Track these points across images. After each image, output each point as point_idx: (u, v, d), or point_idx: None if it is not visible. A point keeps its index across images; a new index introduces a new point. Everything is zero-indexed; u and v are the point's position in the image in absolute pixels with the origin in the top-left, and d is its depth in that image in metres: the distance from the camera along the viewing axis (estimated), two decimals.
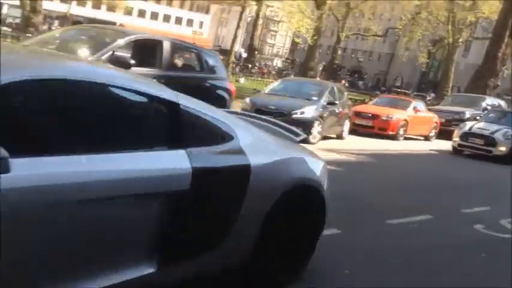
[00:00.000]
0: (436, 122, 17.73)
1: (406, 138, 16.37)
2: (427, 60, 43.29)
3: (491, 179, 11.57)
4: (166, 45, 8.05)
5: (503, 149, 13.93)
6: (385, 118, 15.72)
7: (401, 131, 16.08)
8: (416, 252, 5.14)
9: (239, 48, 51.80)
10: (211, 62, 9.02)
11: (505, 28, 24.55)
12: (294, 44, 61.55)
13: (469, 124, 15.22)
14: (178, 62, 8.68)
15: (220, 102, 8.68)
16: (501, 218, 7.08)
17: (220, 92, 8.88)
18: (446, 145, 15.58)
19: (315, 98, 12.86)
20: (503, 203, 8.27)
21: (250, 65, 44.43)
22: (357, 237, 5.30)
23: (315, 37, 33.87)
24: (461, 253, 5.43)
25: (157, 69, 7.79)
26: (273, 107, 12.02)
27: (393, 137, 15.73)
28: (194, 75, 8.64)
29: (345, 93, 15.64)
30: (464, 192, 9.01)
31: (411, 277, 4.44)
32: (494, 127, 14.56)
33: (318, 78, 30.72)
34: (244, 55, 52.86)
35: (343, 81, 42.81)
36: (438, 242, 5.70)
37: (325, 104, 12.77)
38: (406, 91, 44.91)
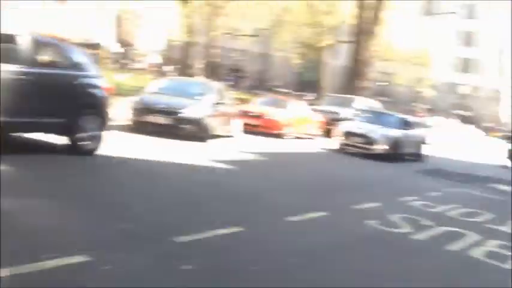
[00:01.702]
0: (319, 121, 18.34)
1: (292, 138, 16.71)
2: (300, 61, 44.75)
3: (375, 176, 12.32)
4: (24, 40, 7.05)
5: (381, 147, 14.81)
6: (270, 117, 15.92)
7: (287, 130, 16.38)
8: (315, 247, 5.21)
9: (112, 43, 49.68)
10: (77, 58, 8.20)
11: (363, 33, 26.11)
12: (170, 40, 60.52)
13: (348, 123, 15.97)
14: (43, 58, 7.65)
15: (93, 100, 8.16)
16: (391, 213, 7.42)
17: (91, 90, 8.16)
18: (330, 144, 16.18)
19: (201, 97, 12.65)
20: (391, 199, 8.74)
21: (127, 61, 42.88)
22: (260, 235, 5.33)
23: (189, 34, 33.48)
24: (355, 246, 5.60)
25: (17, 65, 6.85)
26: (161, 106, 11.70)
27: (280, 136, 16.00)
28: (61, 73, 7.78)
29: (229, 92, 15.68)
30: (353, 189, 9.39)
31: (312, 272, 4.43)
32: (373, 127, 15.41)
33: (200, 77, 30.43)
34: (119, 50, 50.86)
35: (225, 80, 42.95)
36: (332, 235, 5.83)
37: (212, 102, 12.64)
38: (287, 90, 46.17)
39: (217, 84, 15.03)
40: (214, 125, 12.44)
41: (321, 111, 20.12)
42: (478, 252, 6.10)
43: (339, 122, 17.10)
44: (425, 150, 17.99)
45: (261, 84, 49.55)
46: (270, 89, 41.55)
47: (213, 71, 43.23)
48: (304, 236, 5.65)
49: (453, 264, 5.61)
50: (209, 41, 39.51)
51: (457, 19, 61.14)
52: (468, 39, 64.87)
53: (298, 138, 17.25)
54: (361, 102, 22.42)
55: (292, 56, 39.89)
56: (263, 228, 5.63)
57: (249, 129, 15.34)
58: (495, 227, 7.84)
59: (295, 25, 36.23)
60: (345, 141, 15.18)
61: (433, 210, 8.34)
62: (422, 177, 12.70)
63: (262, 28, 41.16)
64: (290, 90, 48.06)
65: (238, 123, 14.25)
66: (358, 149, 15.09)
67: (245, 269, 4.22)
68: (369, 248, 5.64)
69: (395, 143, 15.04)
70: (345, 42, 37.40)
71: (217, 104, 12.88)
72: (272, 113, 16.18)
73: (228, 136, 13.49)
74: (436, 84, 52.88)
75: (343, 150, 15.36)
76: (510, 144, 17.91)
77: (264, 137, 15.33)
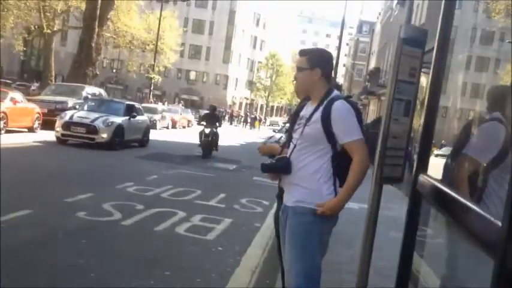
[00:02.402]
0: (38, 113, 17.20)
1: (7, 132, 15.38)
2: (25, 49, 41.57)
3: (95, 166, 11.99)
4: None
5: (104, 135, 14.63)
6: None
7: (1, 124, 15.00)
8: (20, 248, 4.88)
9: None
10: None
11: (94, 18, 25.60)
12: None
13: (69, 113, 15.35)
14: None
15: None
16: (104, 202, 7.41)
17: None
18: (51, 136, 15.34)
19: None
20: (107, 188, 8.71)
21: None
22: None
23: None
24: (64, 242, 5.43)
25: None
26: None
27: None
28: None
29: None
30: (69, 182, 9.07)
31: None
32: (95, 115, 15.11)
33: None
34: None
35: None
36: (38, 235, 5.55)
37: None
38: (7, 81, 42.33)
39: None
40: None
41: (45, 101, 19.04)
42: (182, 228, 6.57)
43: (65, 113, 16.34)
44: (152, 135, 18.53)
45: None
46: None
47: None
48: (4, 238, 5.25)
49: (157, 243, 5.91)
50: None
51: (188, 6, 64.39)
52: (198, 27, 68.95)
53: (16, 132, 15.99)
54: (90, 90, 21.94)
55: (16, 43, 36.47)
56: None
57: None
58: (202, 202, 8.56)
59: (21, 9, 33.19)
60: (66, 132, 14.61)
61: (147, 193, 8.65)
62: (142, 162, 13.00)
63: None
64: (12, 80, 44.20)
65: None
66: (80, 139, 14.70)
67: None
68: (75, 240, 5.56)
69: (119, 130, 15.07)
70: (75, 28, 36.06)
71: None
72: None
73: None
74: (166, 71, 54.78)
75: (64, 142, 14.78)
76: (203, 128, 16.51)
77: None
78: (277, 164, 3.12)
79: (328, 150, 2.99)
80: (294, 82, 3.24)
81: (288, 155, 3.10)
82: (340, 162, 3.00)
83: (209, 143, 16.14)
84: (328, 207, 2.91)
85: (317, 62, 3.12)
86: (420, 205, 2.42)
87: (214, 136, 16.54)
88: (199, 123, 17.61)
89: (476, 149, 2.59)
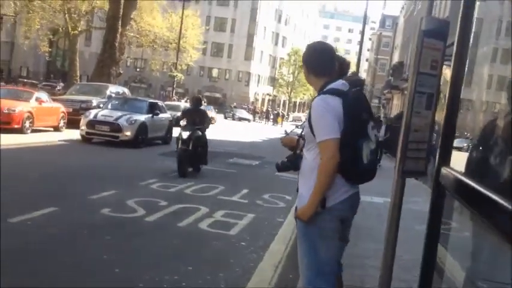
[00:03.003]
0: (63, 112, 17.47)
1: (34, 131, 15.66)
2: (50, 49, 42.23)
3: (119, 163, 12.12)
4: None
5: (128, 133, 14.78)
6: (6, 111, 14.63)
7: (27, 124, 15.29)
8: (45, 245, 4.97)
9: None
10: None
11: (117, 18, 25.84)
12: None
13: (93, 112, 15.54)
14: None
15: None
16: (128, 199, 7.49)
17: None
18: (76, 134, 15.58)
19: None
20: (131, 185, 8.80)
21: None
22: None
23: None
24: (89, 239, 5.51)
25: None
26: None
27: (20, 131, 14.82)
28: None
29: None
30: (93, 179, 9.18)
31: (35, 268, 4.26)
32: (118, 113, 15.27)
33: None
34: None
35: None
36: (64, 232, 5.64)
37: None
38: (34, 81, 43.13)
39: None
40: None
41: (70, 100, 19.35)
42: (205, 224, 6.61)
43: (90, 112, 16.55)
44: (175, 132, 18.62)
45: (6, 76, 45.14)
46: (16, 81, 38.09)
47: None
48: (30, 235, 5.36)
49: (181, 238, 5.95)
50: None
51: (210, 5, 64.68)
52: (220, 25, 69.19)
53: (42, 131, 16.28)
54: (114, 89, 22.21)
55: (41, 44, 37.09)
56: None
57: None
58: (225, 197, 8.59)
59: (46, 11, 33.77)
60: (91, 130, 14.80)
61: (170, 190, 8.71)
62: (165, 159, 13.10)
63: (5, 14, 37.25)
64: (38, 81, 44.96)
65: None
66: (105, 137, 14.88)
67: None
68: (99, 237, 5.63)
69: (142, 128, 15.20)
70: (99, 28, 36.52)
71: None
72: (8, 106, 14.85)
73: None
74: (189, 69, 55.11)
75: (89, 140, 14.97)
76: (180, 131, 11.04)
77: (3, 134, 14.02)
78: (287, 163, 3.30)
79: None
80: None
81: (300, 152, 3.21)
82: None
83: (188, 153, 10.49)
84: (299, 213, 2.96)
85: (305, 59, 3.17)
86: (443, 198, 2.39)
87: (198, 142, 10.81)
88: (176, 124, 11.94)
89: None
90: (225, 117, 52.20)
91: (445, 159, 2.37)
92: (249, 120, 54.26)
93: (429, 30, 3.23)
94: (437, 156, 2.41)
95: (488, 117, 3.89)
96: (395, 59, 49.42)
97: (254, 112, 60.00)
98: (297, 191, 3.45)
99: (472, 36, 2.42)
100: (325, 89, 3.01)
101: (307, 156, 3.05)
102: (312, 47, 3.23)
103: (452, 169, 2.27)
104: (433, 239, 2.38)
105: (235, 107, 58.17)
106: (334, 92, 2.97)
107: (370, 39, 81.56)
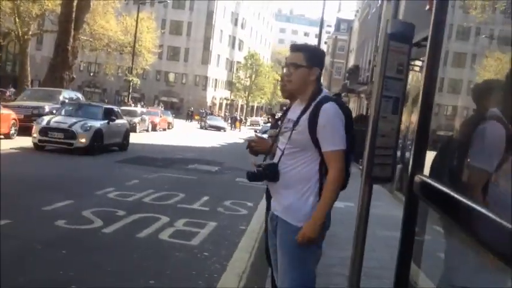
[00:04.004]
0: (14, 119, 16.81)
1: None
2: (0, 54, 40.81)
3: (73, 172, 11.70)
4: None
5: (83, 140, 14.32)
6: None
7: None
8: None
9: None
10: None
11: (69, 21, 25.19)
12: None
13: (46, 118, 15.00)
14: None
15: None
16: (84, 209, 7.20)
17: None
18: (28, 142, 14.98)
19: None
20: (87, 195, 8.48)
21: None
22: None
23: None
24: (43, 253, 5.22)
25: None
26: None
27: None
28: None
29: None
30: (47, 189, 8.80)
31: None
32: (73, 120, 14.80)
33: None
34: None
35: None
36: (17, 246, 5.33)
37: None
38: None
39: None
40: None
41: (21, 107, 18.65)
42: (166, 234, 6.40)
43: (42, 118, 15.94)
44: (132, 138, 18.26)
45: None
46: None
47: None
48: None
49: (141, 250, 5.72)
50: None
51: (166, 8, 63.95)
52: (176, 28, 68.57)
53: None
54: (67, 94, 21.60)
55: None
56: None
57: None
58: (185, 205, 8.39)
59: None
60: (44, 138, 14.26)
61: (128, 199, 8.45)
62: (122, 166, 12.75)
63: None
64: None
65: None
66: (58, 144, 14.37)
67: None
68: (55, 251, 5.35)
69: (97, 135, 14.78)
70: (50, 31, 35.51)
71: None
72: None
73: None
74: (145, 73, 54.30)
75: (42, 148, 14.43)
76: None
77: None
78: (264, 172, 2.94)
79: (317, 156, 2.83)
80: (286, 79, 3.01)
81: (276, 161, 2.93)
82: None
83: None
84: (308, 231, 2.74)
85: (316, 61, 2.94)
86: (417, 208, 2.30)
87: None
88: None
89: (480, 157, 2.46)
90: (201, 127, 47.03)
91: (419, 166, 2.28)
92: (224, 129, 46.77)
93: (394, 33, 3.17)
94: (410, 163, 2.32)
95: (443, 120, 3.89)
96: (351, 62, 50.15)
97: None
98: (267, 199, 3.30)
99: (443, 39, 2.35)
100: (321, 96, 2.87)
101: (294, 164, 2.84)
102: (320, 49, 3.17)
103: (427, 177, 2.19)
104: (406, 253, 2.28)
105: (206, 112, 56.12)
106: (336, 101, 2.89)
107: (325, 42, 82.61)
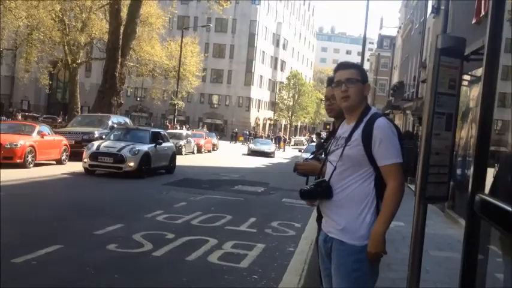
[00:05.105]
0: (65, 145, 17.33)
1: (36, 165, 15.49)
2: (50, 82, 42.33)
3: (123, 195, 11.90)
4: None
5: (131, 164, 14.60)
6: (8, 146, 14.49)
7: (29, 158, 15.14)
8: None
9: None
10: None
11: (116, 48, 25.94)
12: None
13: (96, 143, 15.39)
14: None
15: None
16: (134, 232, 7.28)
17: None
18: (79, 167, 15.39)
19: None
20: (137, 218, 8.59)
21: None
22: None
23: None
24: (96, 278, 5.28)
25: None
26: None
27: (22, 165, 14.67)
28: None
29: None
30: (98, 213, 8.96)
31: None
32: (121, 144, 15.13)
33: None
34: None
35: None
36: (70, 271, 5.42)
37: None
38: (35, 114, 43.24)
39: None
40: None
41: (72, 133, 19.27)
42: (214, 257, 6.38)
43: (92, 143, 16.39)
44: (178, 161, 18.48)
45: (7, 110, 45.16)
46: (13, 114, 38.06)
47: None
48: (34, 276, 5.15)
49: (191, 274, 5.72)
50: None
51: (208, 32, 65.18)
52: (219, 51, 69.64)
53: (45, 164, 16.12)
54: (115, 119, 22.15)
55: (41, 77, 37.19)
56: None
57: None
58: (232, 227, 8.36)
59: (45, 44, 33.98)
60: (94, 162, 14.63)
61: (176, 221, 8.50)
62: (170, 189, 12.88)
63: (7, 49, 37.44)
64: (39, 114, 45.04)
65: None
66: (108, 169, 14.72)
67: None
68: (108, 276, 5.41)
69: (145, 158, 15.05)
70: (98, 59, 36.70)
71: None
72: (10, 140, 14.72)
73: None
74: (189, 96, 55.19)
75: (92, 172, 14.80)
76: None
77: (4, 169, 13.84)
78: (316, 189, 2.90)
79: (372, 172, 2.76)
80: (342, 95, 2.87)
81: (327, 179, 2.89)
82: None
83: None
84: (374, 250, 2.68)
85: (366, 78, 2.96)
86: (479, 228, 2.20)
87: None
88: None
89: None
90: (248, 152, 38.10)
91: (480, 185, 2.19)
92: (271, 154, 38.24)
93: (445, 48, 3.09)
94: (470, 182, 2.23)
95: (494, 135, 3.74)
96: (395, 79, 49.51)
97: (255, 137, 59.83)
98: (318, 220, 3.21)
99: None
100: (372, 112, 2.86)
101: (348, 182, 2.78)
102: (355, 63, 3.10)
103: (489, 196, 2.09)
104: (469, 275, 2.18)
105: (250, 133, 54.43)
106: (384, 116, 2.88)
107: (368, 59, 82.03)
